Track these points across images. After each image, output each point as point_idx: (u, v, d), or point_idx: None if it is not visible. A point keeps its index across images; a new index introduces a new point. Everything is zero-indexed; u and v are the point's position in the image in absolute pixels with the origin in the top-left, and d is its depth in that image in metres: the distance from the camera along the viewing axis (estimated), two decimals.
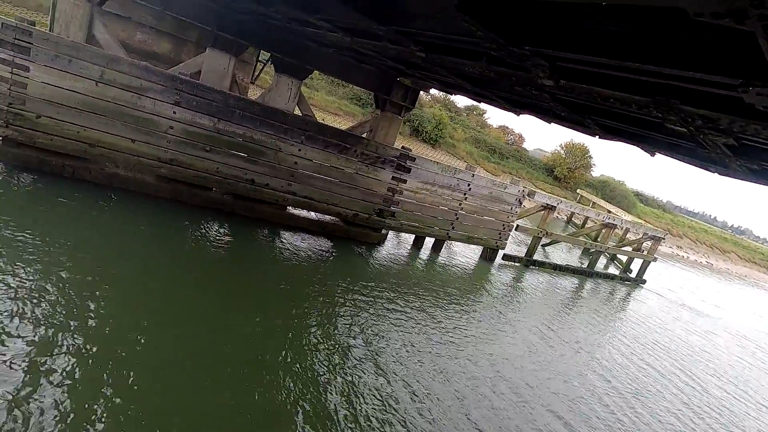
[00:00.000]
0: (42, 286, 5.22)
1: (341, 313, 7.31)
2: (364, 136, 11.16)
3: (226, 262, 7.71)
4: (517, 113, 7.30)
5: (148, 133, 8.36)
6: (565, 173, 40.21)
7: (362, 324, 7.20)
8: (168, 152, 8.58)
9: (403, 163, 10.73)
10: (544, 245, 18.82)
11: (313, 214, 10.72)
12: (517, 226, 14.13)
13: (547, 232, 15.25)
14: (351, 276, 9.01)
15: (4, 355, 4.10)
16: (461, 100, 44.04)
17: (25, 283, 5.17)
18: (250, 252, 8.52)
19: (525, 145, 46.98)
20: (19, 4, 18.33)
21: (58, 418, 3.71)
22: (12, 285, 5.04)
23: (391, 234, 12.60)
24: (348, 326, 6.98)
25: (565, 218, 30.76)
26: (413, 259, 11.71)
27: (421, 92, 11.72)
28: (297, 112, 10.76)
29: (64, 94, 7.72)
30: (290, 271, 8.24)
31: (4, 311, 4.62)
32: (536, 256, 15.59)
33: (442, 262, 12.36)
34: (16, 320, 4.57)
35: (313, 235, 10.48)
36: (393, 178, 10.76)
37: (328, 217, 10.84)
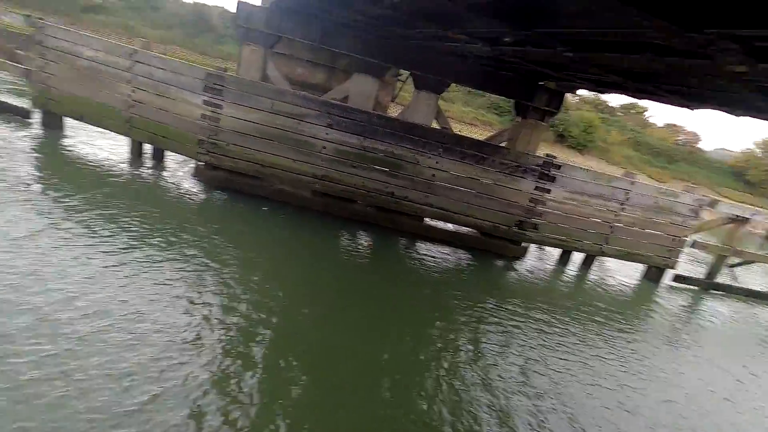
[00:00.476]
0: (228, 278, 6.35)
1: (490, 330, 7.11)
2: (503, 144, 10.78)
3: (373, 271, 8.25)
4: (692, 108, 6.18)
5: (306, 153, 9.52)
6: (763, 177, 32.30)
7: (515, 344, 6.88)
8: (321, 169, 9.63)
9: (546, 172, 10.02)
10: (732, 265, 15.34)
11: (450, 226, 10.74)
12: (694, 242, 11.84)
13: (736, 250, 12.42)
14: (495, 290, 8.74)
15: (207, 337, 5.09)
16: (616, 99, 39.22)
17: (219, 274, 6.35)
18: (393, 262, 8.95)
19: (701, 145, 39.36)
20: (216, 56, 22.92)
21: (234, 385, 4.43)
22: (205, 275, 6.25)
23: (532, 247, 11.83)
24: (500, 346, 6.74)
25: (765, 233, 24.59)
26: (560, 276, 10.77)
27: (567, 94, 10.82)
28: (435, 125, 10.98)
29: (245, 125, 9.32)
30: (432, 283, 8.39)
31: (210, 291, 5.76)
32: (720, 279, 12.80)
33: (595, 280, 11.07)
34: (210, 303, 5.64)
35: (450, 246, 10.49)
36: (536, 188, 10.11)
37: (465, 229, 10.74)
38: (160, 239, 6.98)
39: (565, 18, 3.57)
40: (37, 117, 10.71)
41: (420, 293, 7.84)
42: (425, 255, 9.60)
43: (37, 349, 4.27)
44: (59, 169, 8.80)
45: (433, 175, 9.83)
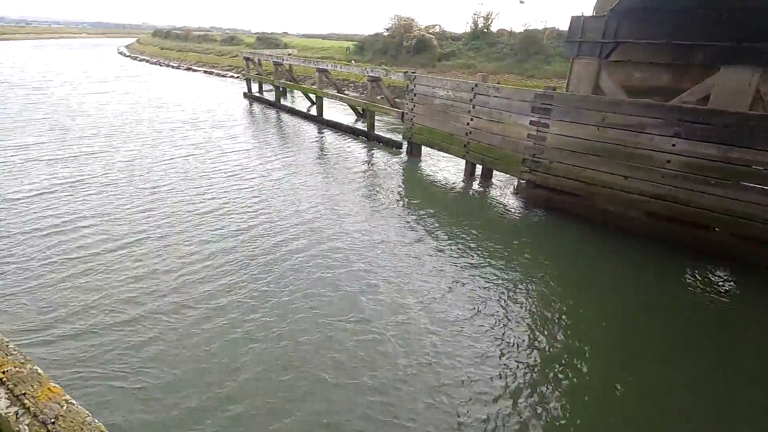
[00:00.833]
0: (527, 290, 6.28)
1: None
2: None
3: (731, 320, 6.24)
4: None
5: (642, 169, 8.23)
6: None
7: None
8: (661, 188, 8.08)
9: None
10: None
11: None
12: None
13: None
14: None
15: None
16: None
17: (533, 292, 6.40)
18: (765, 314, 6.45)
19: None
20: (542, 77, 23.37)
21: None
22: (494, 280, 6.39)
23: None
24: None
25: None
26: None
27: None
28: None
29: (571, 141, 9.01)
30: None
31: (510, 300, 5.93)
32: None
33: None
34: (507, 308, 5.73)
35: None
36: None
37: None
38: (481, 248, 7.70)
39: None
40: (404, 147, 14.08)
41: None
42: None
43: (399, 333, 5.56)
44: (415, 186, 11.25)
45: None
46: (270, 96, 22.83)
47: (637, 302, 6.51)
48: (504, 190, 11.02)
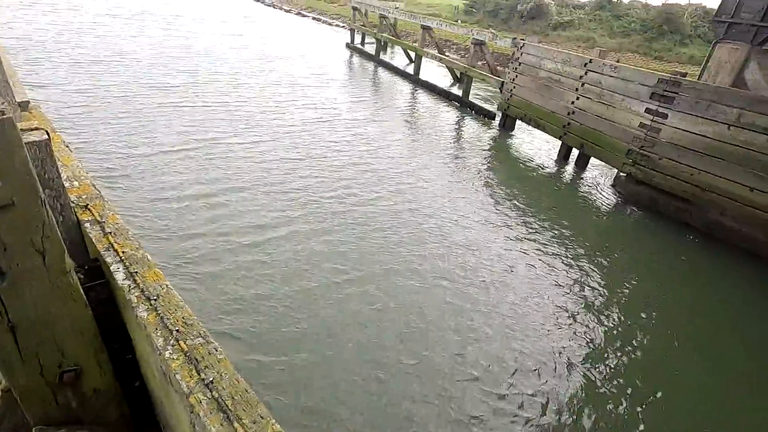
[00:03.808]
0: (609, 298, 5.87)
1: None
2: None
3: None
4: None
5: None
6: None
7: None
8: None
9: None
10: None
11: None
12: None
13: None
14: None
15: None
16: None
17: (591, 282, 5.99)
18: None
19: None
20: (674, 60, 20.52)
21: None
22: (562, 281, 6.00)
23: None
24: None
25: None
26: None
27: None
28: None
29: (692, 138, 7.94)
30: None
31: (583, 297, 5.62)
32: None
33: None
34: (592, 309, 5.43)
35: None
36: None
37: None
38: (563, 241, 7.29)
39: None
40: (497, 119, 13.44)
41: None
42: None
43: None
44: (503, 161, 10.81)
45: None
46: (371, 49, 22.81)
47: (735, 340, 5.79)
48: (600, 180, 10.16)
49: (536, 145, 12.07)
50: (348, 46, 24.53)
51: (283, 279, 5.42)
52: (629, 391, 4.59)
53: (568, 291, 6.04)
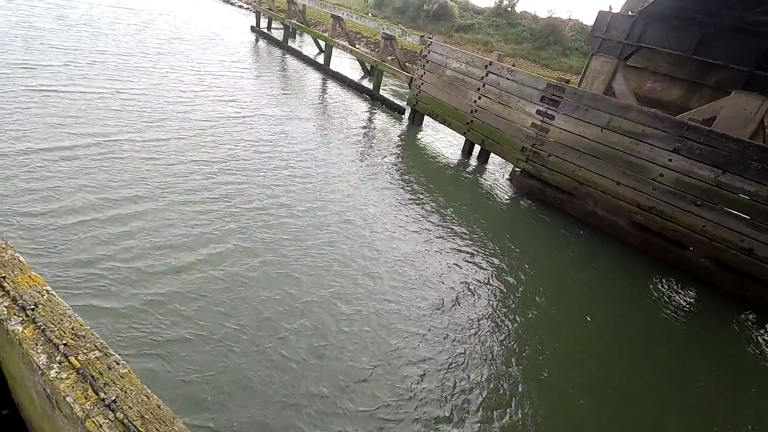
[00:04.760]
0: (499, 279, 6.46)
1: None
2: None
3: (691, 342, 6.55)
4: None
5: (636, 179, 8.34)
6: None
7: None
8: (651, 200, 8.23)
9: None
10: None
11: None
12: None
13: None
14: None
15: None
16: None
17: (467, 265, 6.56)
18: (728, 342, 6.80)
19: None
20: (558, 68, 23.02)
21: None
22: (466, 268, 6.55)
23: None
24: None
25: None
26: None
27: None
28: None
29: (574, 138, 9.01)
30: None
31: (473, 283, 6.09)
32: None
33: None
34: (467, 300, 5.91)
35: None
36: None
37: None
38: (463, 227, 7.80)
39: None
40: (406, 114, 13.84)
41: (743, 399, 5.64)
42: None
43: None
44: (411, 154, 11.16)
45: None
46: (278, 35, 21.88)
47: (605, 307, 6.77)
48: (498, 174, 11.04)
49: (442, 140, 12.69)
50: (253, 29, 23.24)
51: (205, 315, 4.51)
52: (518, 362, 5.09)
53: (465, 273, 6.49)
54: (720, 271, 7.82)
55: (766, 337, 6.97)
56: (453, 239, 7.35)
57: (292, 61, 18.80)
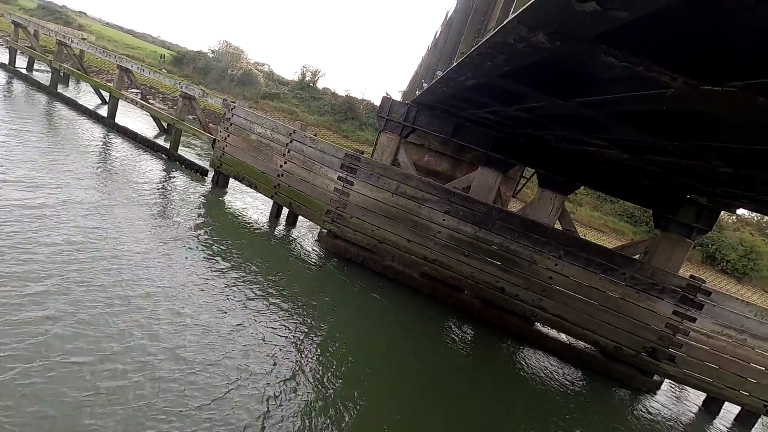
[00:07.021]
0: (311, 336, 6.51)
1: None
2: (636, 257, 9.70)
3: (468, 367, 7.70)
4: None
5: (421, 236, 9.78)
6: None
7: None
8: (433, 253, 9.72)
9: (690, 296, 8.59)
10: None
11: (564, 337, 9.65)
12: None
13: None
14: (614, 429, 7.37)
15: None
16: None
17: (305, 324, 6.57)
18: (493, 363, 8.25)
19: None
20: (356, 140, 25.90)
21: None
22: (290, 327, 6.49)
23: (668, 384, 9.87)
24: None
25: None
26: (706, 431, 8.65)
27: (723, 212, 9.50)
28: (558, 226, 10.46)
29: (370, 201, 10.08)
30: (535, 398, 7.46)
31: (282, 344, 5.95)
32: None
33: None
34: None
35: (562, 360, 9.33)
36: (675, 312, 8.68)
37: (582, 344, 9.52)
38: (273, 288, 7.61)
39: (729, 133, 3.27)
40: (210, 176, 13.13)
41: (521, 406, 6.97)
42: (531, 364, 8.66)
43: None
44: (215, 218, 10.45)
45: (551, 278, 9.15)
46: (43, 78, 18.31)
47: (404, 344, 7.47)
48: (306, 235, 11.34)
49: (249, 203, 12.42)
50: (5, 67, 18.88)
51: None
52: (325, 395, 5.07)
53: (275, 334, 6.27)
54: (486, 308, 9.66)
55: (522, 358, 8.77)
56: (261, 299, 7.03)
57: (63, 111, 15.81)
